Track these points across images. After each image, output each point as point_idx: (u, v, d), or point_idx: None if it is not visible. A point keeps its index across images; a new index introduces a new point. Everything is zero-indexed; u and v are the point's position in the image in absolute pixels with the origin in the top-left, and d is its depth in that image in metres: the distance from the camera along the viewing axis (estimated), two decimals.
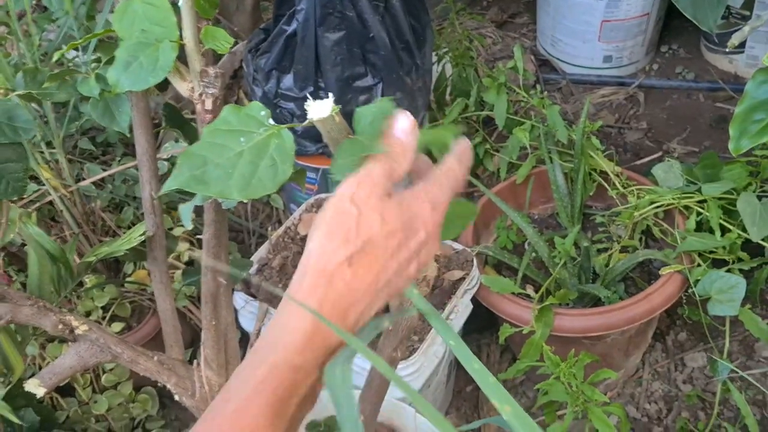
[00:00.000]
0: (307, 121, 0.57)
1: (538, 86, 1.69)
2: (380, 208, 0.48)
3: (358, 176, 0.49)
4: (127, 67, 0.70)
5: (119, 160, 1.53)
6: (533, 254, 1.34)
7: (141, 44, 0.70)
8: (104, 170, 1.38)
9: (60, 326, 0.86)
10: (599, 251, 1.31)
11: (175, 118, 0.94)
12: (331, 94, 0.56)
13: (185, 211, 0.71)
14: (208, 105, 0.72)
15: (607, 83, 1.93)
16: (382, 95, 1.37)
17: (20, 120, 0.84)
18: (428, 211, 0.50)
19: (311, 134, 1.42)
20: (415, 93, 1.42)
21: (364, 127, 0.56)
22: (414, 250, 0.49)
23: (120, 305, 1.28)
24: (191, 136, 0.98)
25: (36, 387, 0.87)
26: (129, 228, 1.39)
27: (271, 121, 0.57)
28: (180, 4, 0.70)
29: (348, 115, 0.57)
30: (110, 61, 0.83)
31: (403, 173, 0.51)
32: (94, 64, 0.88)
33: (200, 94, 0.72)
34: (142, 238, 0.93)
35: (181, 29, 0.74)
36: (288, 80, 1.37)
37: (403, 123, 0.52)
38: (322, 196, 1.41)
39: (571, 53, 1.93)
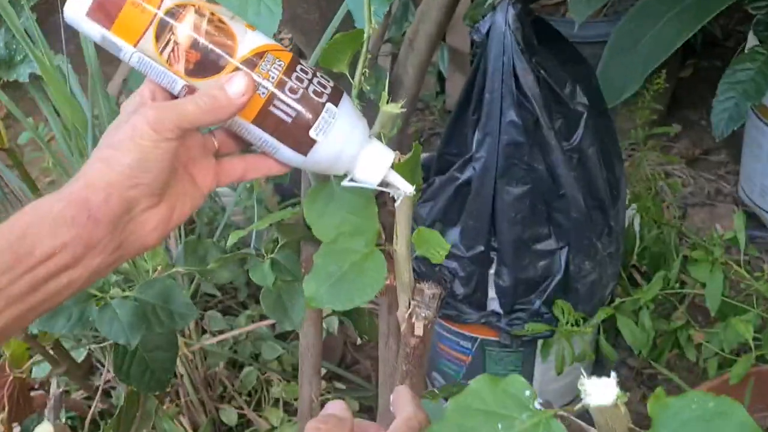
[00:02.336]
0: (579, 404, 0.52)
1: (765, 267, 1.59)
2: None
3: None
4: (329, 278, 0.68)
5: (242, 305, 1.54)
6: None
7: (345, 251, 0.69)
8: (229, 325, 1.39)
9: None
10: None
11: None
12: (614, 374, 0.51)
13: None
14: (418, 329, 0.69)
15: None
16: (567, 262, 1.33)
17: (177, 303, 0.84)
18: None
19: (473, 300, 1.38)
20: (605, 260, 1.37)
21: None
22: None
23: None
24: (361, 327, 0.97)
25: None
26: (249, 395, 1.38)
27: (539, 405, 0.52)
28: (396, 204, 0.69)
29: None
30: (287, 245, 0.83)
31: None
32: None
33: (410, 315, 0.69)
34: None
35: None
36: (453, 235, 1.36)
37: None
38: None
39: None
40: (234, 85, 0.60)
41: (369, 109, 0.80)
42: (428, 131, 2.39)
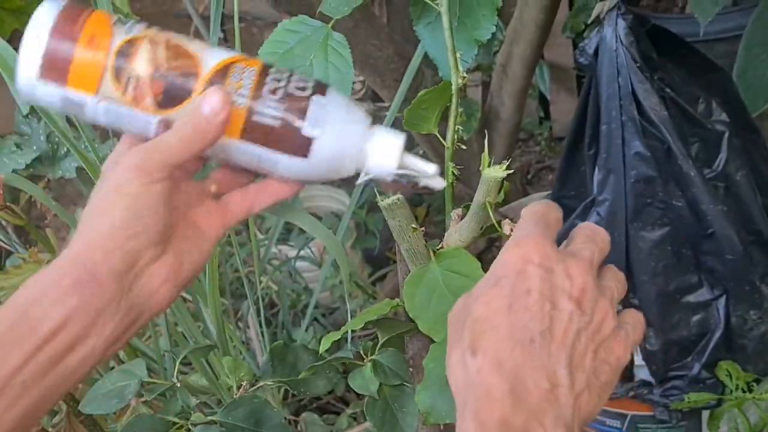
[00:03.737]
0: None
1: None
2: None
3: None
4: (445, 386, 0.68)
5: (342, 400, 1.54)
6: None
7: None
8: (329, 425, 1.39)
9: None
10: None
11: None
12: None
13: None
14: None
15: None
16: (727, 314, 1.29)
17: (269, 425, 0.85)
18: None
19: None
20: None
21: None
22: None
23: None
24: None
25: None
26: None
27: None
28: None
29: None
30: (389, 343, 0.83)
31: None
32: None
33: None
34: None
35: None
36: None
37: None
38: None
39: None
40: (206, 103, 0.63)
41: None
42: (536, 165, 2.38)
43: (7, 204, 1.00)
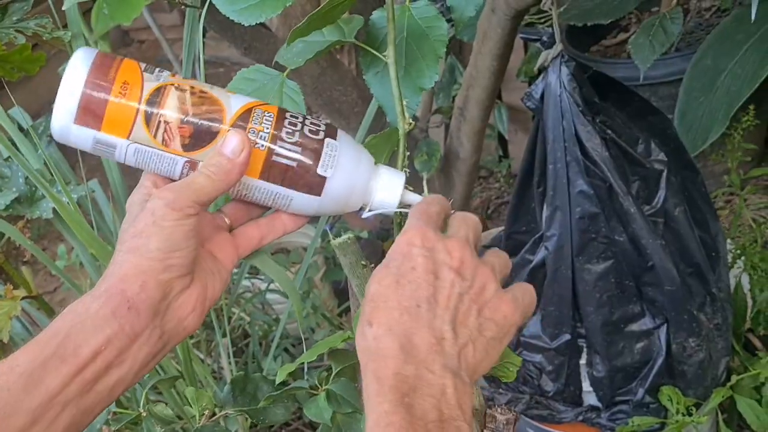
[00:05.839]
0: None
1: None
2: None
3: None
4: None
5: (310, 426, 1.54)
6: None
7: None
8: None
9: None
10: None
11: None
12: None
13: None
14: None
15: None
16: (668, 342, 1.30)
17: None
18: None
19: (566, 395, 1.36)
20: (712, 334, 1.33)
21: None
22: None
23: None
24: None
25: None
26: None
27: None
28: None
29: None
30: (342, 373, 0.83)
31: None
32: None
33: None
34: None
35: None
36: (534, 324, 1.34)
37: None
38: None
39: None
40: (229, 145, 0.66)
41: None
42: (495, 200, 2.39)
43: None
